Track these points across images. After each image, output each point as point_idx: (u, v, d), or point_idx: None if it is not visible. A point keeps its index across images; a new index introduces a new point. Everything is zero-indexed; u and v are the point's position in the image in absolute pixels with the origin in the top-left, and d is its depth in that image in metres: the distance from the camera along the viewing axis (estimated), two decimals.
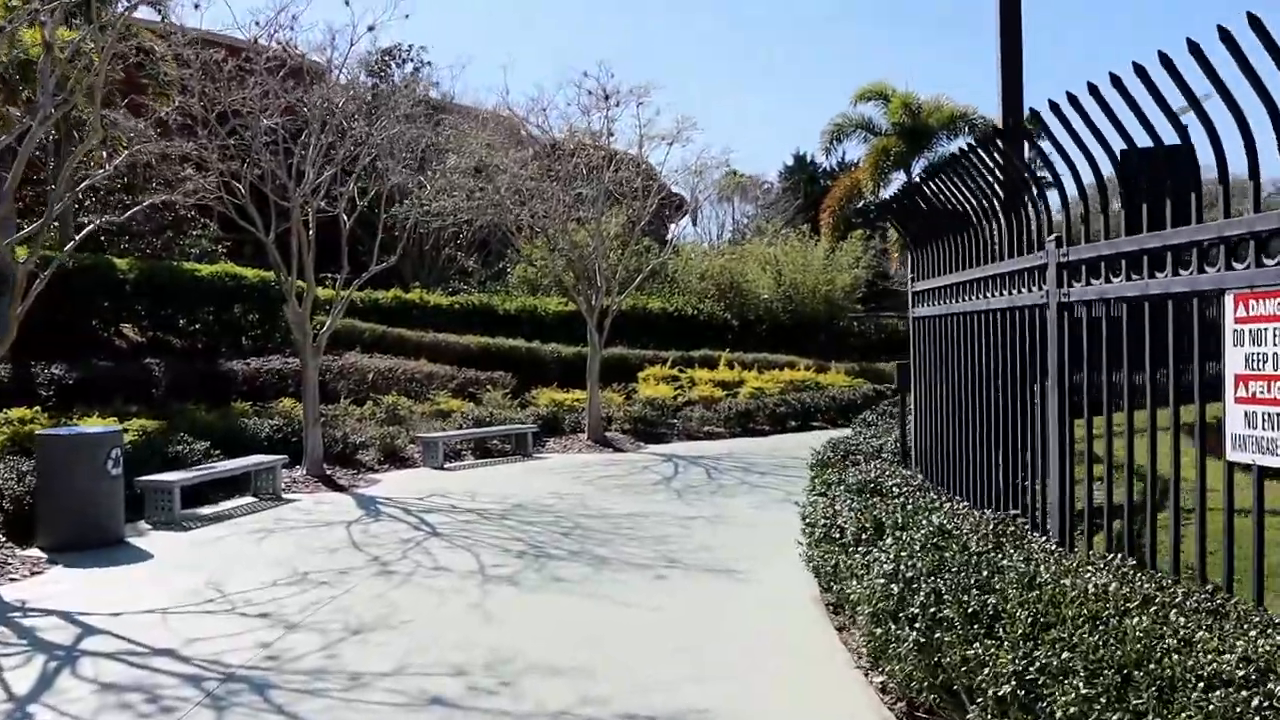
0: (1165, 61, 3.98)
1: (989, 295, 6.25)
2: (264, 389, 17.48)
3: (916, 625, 4.07)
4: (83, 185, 11.13)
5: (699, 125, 16.56)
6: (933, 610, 3.94)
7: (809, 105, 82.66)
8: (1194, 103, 4.26)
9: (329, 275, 14.85)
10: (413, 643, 6.35)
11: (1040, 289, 5.33)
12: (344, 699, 5.39)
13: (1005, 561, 4.04)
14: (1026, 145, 7.03)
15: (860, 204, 33.19)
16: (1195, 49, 3.78)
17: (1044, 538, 4.90)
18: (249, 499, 12.02)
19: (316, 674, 5.77)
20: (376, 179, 14.36)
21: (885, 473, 7.05)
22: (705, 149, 21.88)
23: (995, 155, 6.02)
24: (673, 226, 36.11)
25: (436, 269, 31.83)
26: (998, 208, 6.19)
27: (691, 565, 8.53)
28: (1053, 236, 5.25)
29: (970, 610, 3.73)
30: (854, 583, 5.17)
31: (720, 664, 5.89)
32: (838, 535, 5.69)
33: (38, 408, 13.25)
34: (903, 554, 4.46)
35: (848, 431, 18.41)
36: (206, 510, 11.28)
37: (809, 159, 64.49)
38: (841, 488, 6.47)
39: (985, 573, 3.92)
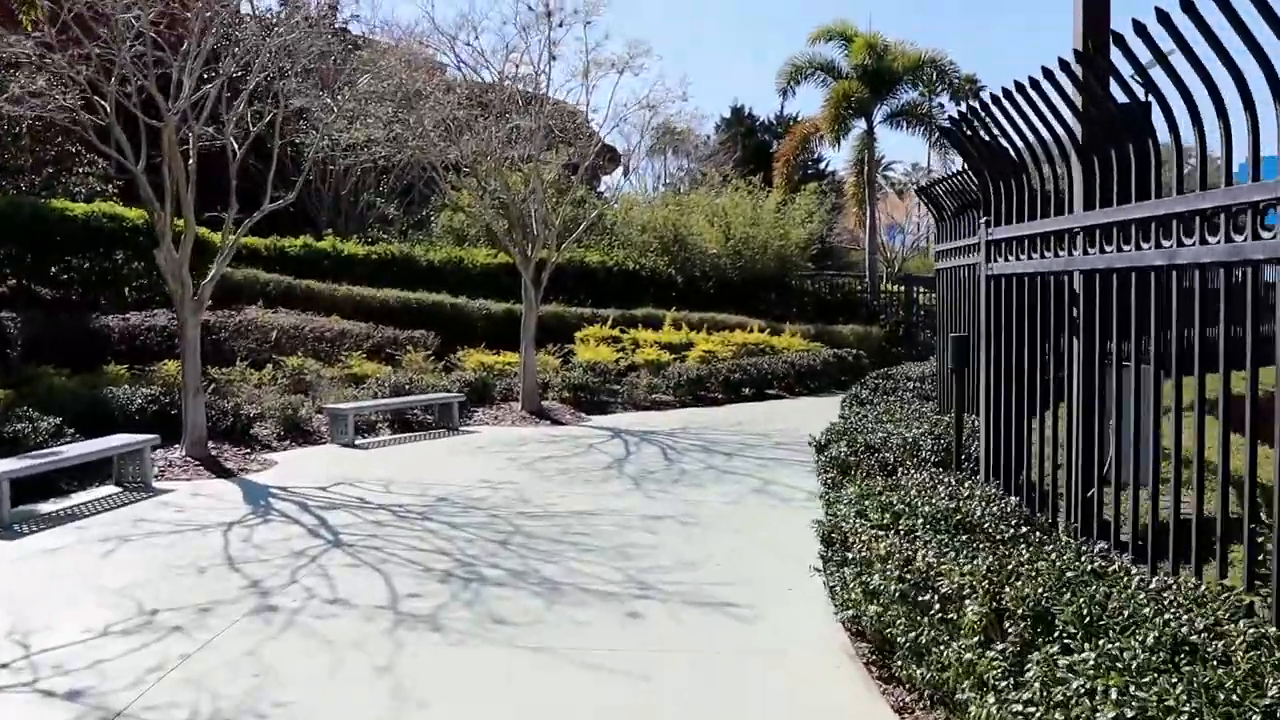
0: None
1: (1155, 244, 4.31)
2: (145, 349, 15.09)
3: None
4: None
5: (653, 52, 14.14)
6: None
7: (746, 58, 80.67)
8: None
9: (218, 213, 12.49)
10: None
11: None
12: None
13: None
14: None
15: (817, 154, 31.26)
16: None
17: None
18: (110, 489, 9.75)
19: None
20: (275, 102, 11.99)
21: (961, 493, 5.12)
22: (660, 79, 19.60)
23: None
24: (605, 179, 33.97)
25: (354, 217, 29.30)
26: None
27: (672, 594, 6.56)
28: None
29: None
30: (985, 696, 3.24)
31: None
32: (937, 606, 3.75)
33: None
34: (1132, 702, 2.53)
35: (824, 406, 16.57)
36: (49, 508, 9.00)
37: (747, 112, 62.57)
38: (919, 520, 4.53)
39: None
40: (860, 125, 26.70)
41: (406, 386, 14.89)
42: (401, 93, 14.06)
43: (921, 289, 24.89)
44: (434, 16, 13.78)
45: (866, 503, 4.94)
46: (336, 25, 16.72)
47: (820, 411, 16.75)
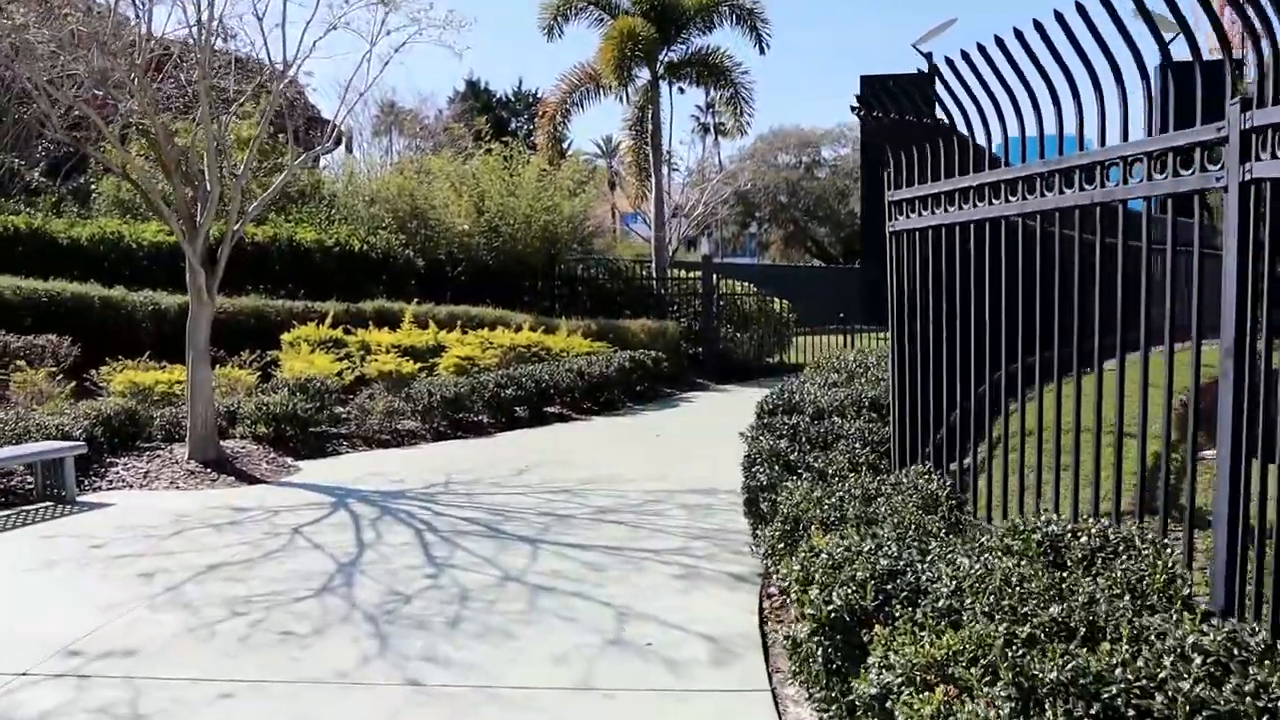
0: None
1: None
2: None
3: None
4: None
5: None
6: None
7: (482, 27, 75.20)
8: None
9: None
10: None
11: None
12: None
13: None
14: None
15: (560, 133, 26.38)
16: None
17: None
18: None
19: None
20: None
21: None
22: None
23: None
24: (325, 159, 28.55)
25: None
26: None
27: None
28: None
29: None
30: None
31: None
32: None
33: None
34: None
35: (634, 431, 12.33)
36: None
37: (483, 86, 57.88)
38: None
39: None
40: (644, 75, 22.30)
41: None
42: None
43: (720, 276, 20.88)
44: None
45: None
46: None
47: (632, 439, 12.28)
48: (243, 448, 10.72)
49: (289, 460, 10.64)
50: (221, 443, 10.52)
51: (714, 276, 19.96)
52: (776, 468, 5.89)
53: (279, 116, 10.48)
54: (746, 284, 21.85)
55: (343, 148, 31.37)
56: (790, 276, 32.54)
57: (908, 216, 6.38)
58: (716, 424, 13.72)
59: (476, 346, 15.38)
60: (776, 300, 21.24)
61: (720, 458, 11.03)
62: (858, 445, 6.37)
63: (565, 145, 28.20)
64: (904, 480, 5.31)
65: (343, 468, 10.46)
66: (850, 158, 74.30)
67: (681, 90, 27.86)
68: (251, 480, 9.70)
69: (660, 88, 22.51)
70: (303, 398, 11.58)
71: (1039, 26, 4.66)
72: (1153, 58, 4.45)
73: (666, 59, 22.46)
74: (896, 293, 6.53)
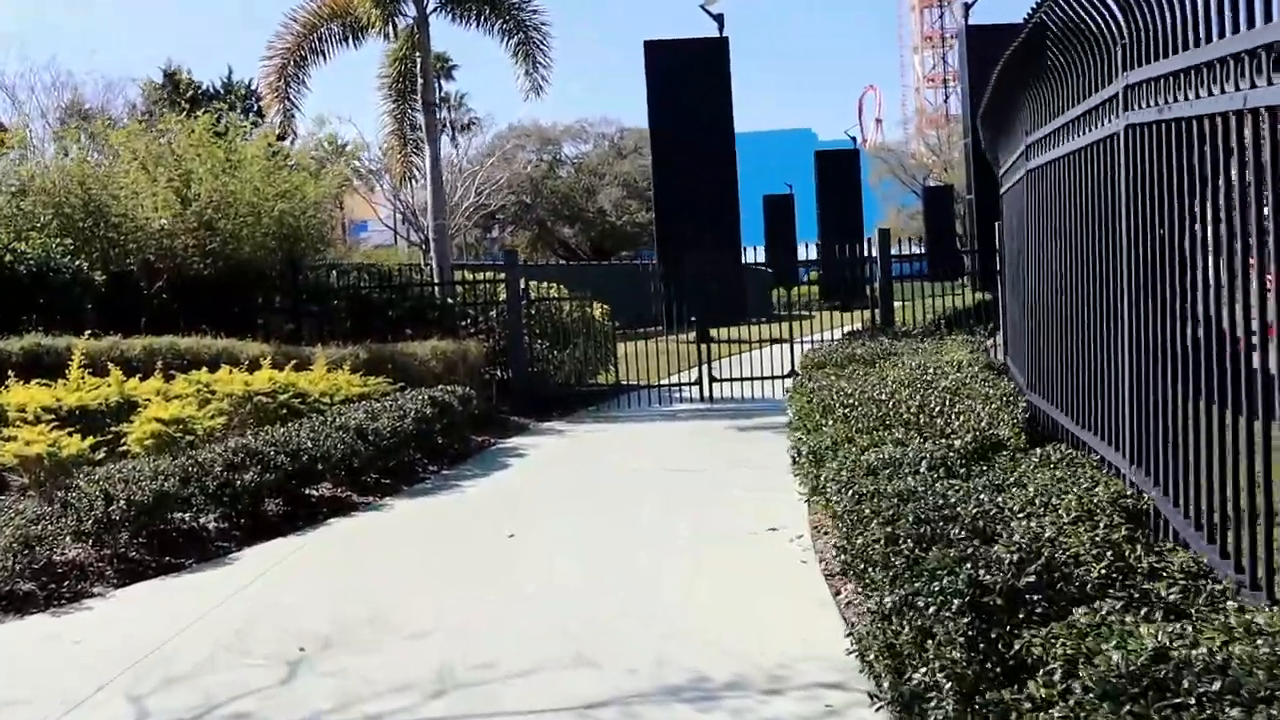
0: None
1: None
2: None
3: None
4: None
5: None
6: None
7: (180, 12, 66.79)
8: None
9: None
10: None
11: None
12: None
13: None
14: None
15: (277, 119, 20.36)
16: None
17: None
18: None
19: None
20: None
21: None
22: None
23: None
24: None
25: None
26: None
27: None
28: None
29: None
30: None
31: None
32: None
33: None
34: None
35: (467, 552, 7.82)
36: None
37: (186, 75, 50.78)
38: None
39: None
40: (410, 13, 16.91)
41: None
42: None
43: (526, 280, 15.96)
44: None
45: None
46: None
47: (472, 549, 6.53)
48: None
49: None
50: None
51: (522, 279, 15.12)
52: None
53: None
54: (556, 286, 17.20)
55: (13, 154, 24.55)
56: (578, 275, 28.25)
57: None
58: (579, 494, 9.09)
59: (191, 400, 9.96)
60: (595, 305, 16.76)
61: (632, 573, 6.48)
62: None
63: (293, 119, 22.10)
64: None
65: None
66: (593, 154, 70.96)
67: None
68: None
69: (430, 28, 17.25)
70: None
71: None
72: None
73: None
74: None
